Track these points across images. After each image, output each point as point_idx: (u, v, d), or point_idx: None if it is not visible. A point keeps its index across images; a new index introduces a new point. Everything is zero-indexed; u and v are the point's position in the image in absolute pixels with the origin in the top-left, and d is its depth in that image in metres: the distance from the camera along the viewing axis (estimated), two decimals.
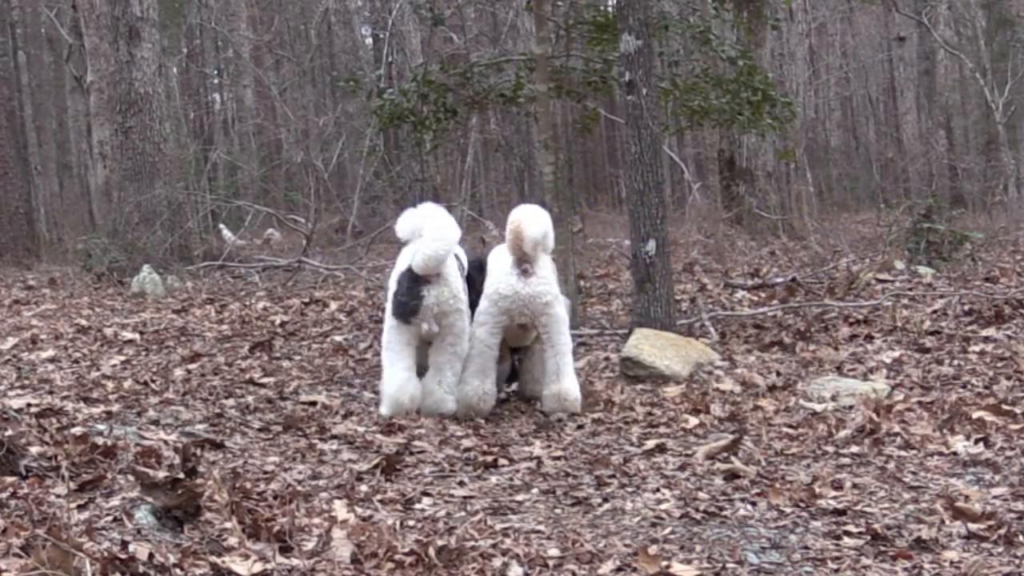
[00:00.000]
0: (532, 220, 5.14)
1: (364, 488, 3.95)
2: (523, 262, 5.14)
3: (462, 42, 17.75)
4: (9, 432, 3.80)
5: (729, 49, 8.54)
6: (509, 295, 5.13)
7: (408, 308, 5.08)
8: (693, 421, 5.00)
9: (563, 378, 5.18)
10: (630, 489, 4.02)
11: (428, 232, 5.03)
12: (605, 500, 3.89)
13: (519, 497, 3.94)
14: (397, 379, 5.14)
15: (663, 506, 3.78)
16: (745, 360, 6.42)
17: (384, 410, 5.16)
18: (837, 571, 3.22)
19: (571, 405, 5.19)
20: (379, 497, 3.83)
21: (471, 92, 8.80)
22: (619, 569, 3.18)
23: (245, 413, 5.18)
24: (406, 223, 5.22)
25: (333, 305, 8.99)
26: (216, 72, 31.06)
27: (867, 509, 3.72)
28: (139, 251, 11.79)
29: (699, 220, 14.52)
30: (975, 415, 4.86)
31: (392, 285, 5.22)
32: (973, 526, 3.50)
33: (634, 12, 6.55)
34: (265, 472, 4.10)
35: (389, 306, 5.22)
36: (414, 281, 5.06)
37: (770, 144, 14.60)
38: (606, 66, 8.56)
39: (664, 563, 3.17)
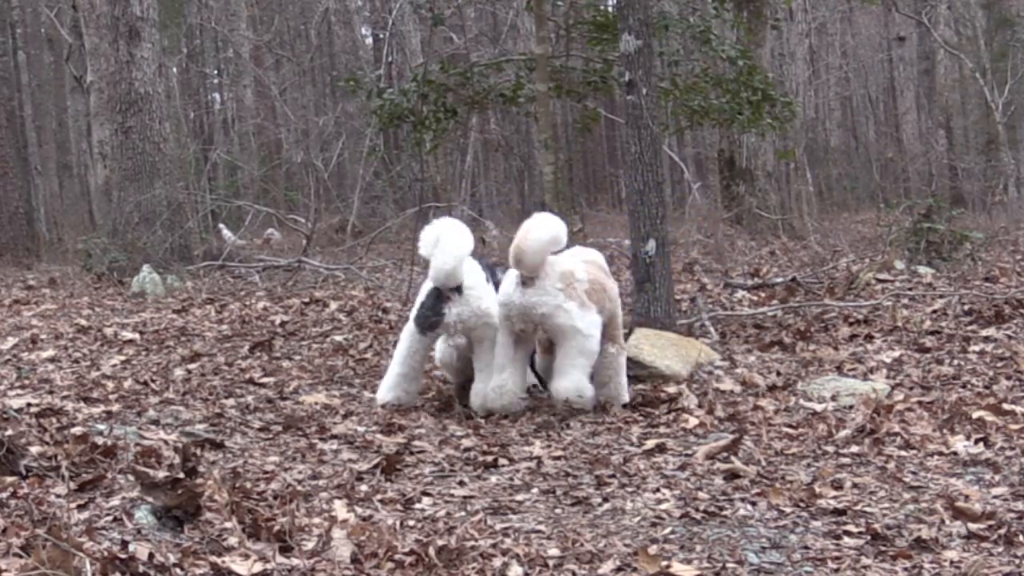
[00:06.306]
0: (531, 232, 5.22)
1: (364, 488, 3.95)
2: (522, 271, 5.25)
3: (462, 42, 17.75)
4: (9, 432, 3.80)
5: (729, 49, 8.54)
6: (506, 303, 5.25)
7: (428, 323, 5.32)
8: (693, 421, 5.00)
9: (561, 377, 5.26)
10: (630, 489, 4.02)
11: (441, 246, 5.21)
12: (605, 500, 3.89)
13: (519, 497, 3.95)
14: (386, 379, 5.47)
15: (663, 506, 3.78)
16: (745, 360, 6.42)
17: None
18: (837, 571, 3.22)
19: (572, 402, 5.26)
20: (379, 497, 3.83)
21: (471, 92, 8.81)
22: (619, 569, 3.18)
23: (245, 413, 5.18)
24: (426, 238, 5.35)
25: (333, 305, 8.99)
26: (216, 72, 31.07)
27: (867, 509, 3.72)
28: (139, 251, 11.79)
29: (699, 220, 14.51)
30: (975, 415, 4.86)
31: (420, 295, 5.43)
32: (973, 526, 3.50)
33: (634, 12, 6.54)
34: (265, 472, 4.10)
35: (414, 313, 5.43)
36: (438, 298, 5.27)
37: (770, 144, 14.60)
38: (606, 66, 8.57)
39: (664, 563, 3.17)
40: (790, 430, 4.82)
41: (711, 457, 4.36)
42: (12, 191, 16.67)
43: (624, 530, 3.55)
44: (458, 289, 5.26)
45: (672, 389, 5.60)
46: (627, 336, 6.45)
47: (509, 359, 5.31)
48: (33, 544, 2.81)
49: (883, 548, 3.37)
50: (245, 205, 17.73)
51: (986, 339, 6.72)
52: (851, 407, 5.11)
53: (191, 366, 6.35)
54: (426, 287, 5.43)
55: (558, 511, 3.79)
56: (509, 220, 19.67)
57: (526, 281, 5.20)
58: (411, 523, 3.56)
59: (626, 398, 5.47)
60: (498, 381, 5.29)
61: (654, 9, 7.59)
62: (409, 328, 5.45)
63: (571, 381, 5.25)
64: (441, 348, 5.71)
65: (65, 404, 5.00)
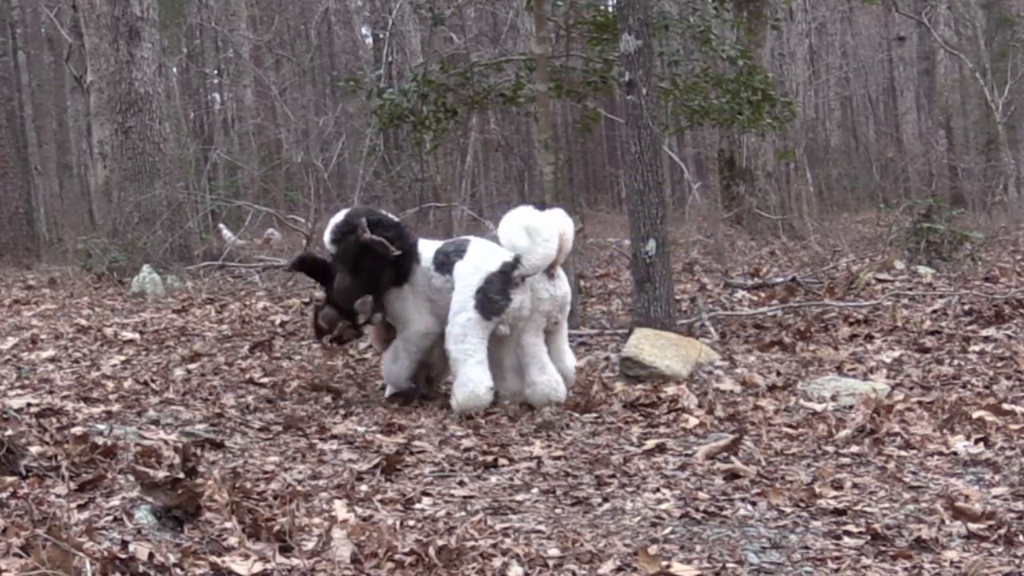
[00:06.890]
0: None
1: (364, 488, 3.95)
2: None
3: (462, 42, 17.72)
4: (9, 432, 3.80)
5: (729, 49, 8.54)
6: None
7: (496, 307, 5.25)
8: (693, 421, 5.00)
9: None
10: (630, 489, 4.02)
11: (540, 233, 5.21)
12: (605, 500, 3.89)
13: (519, 497, 3.95)
14: (474, 372, 5.27)
15: (663, 506, 3.78)
16: (745, 360, 6.42)
17: (461, 402, 5.26)
18: (837, 571, 3.22)
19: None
20: (379, 497, 3.84)
21: (471, 92, 8.80)
22: (619, 569, 3.18)
23: (245, 413, 5.18)
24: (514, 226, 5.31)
25: None
26: (216, 72, 31.05)
27: (867, 509, 3.72)
28: (139, 251, 11.78)
29: (699, 220, 14.52)
30: (975, 415, 4.86)
31: (473, 281, 5.30)
32: (973, 526, 3.50)
33: (634, 12, 6.54)
34: (265, 472, 4.10)
35: (471, 302, 5.29)
36: (506, 283, 5.25)
37: (770, 144, 14.59)
38: (606, 66, 8.56)
39: (664, 563, 3.18)
40: (790, 430, 4.82)
41: (711, 457, 4.36)
42: (12, 191, 16.66)
43: (624, 530, 3.55)
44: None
45: (672, 389, 5.60)
46: (627, 336, 6.46)
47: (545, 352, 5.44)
48: (33, 544, 2.81)
49: (883, 548, 3.37)
50: (245, 205, 17.70)
51: (986, 339, 6.72)
52: (851, 407, 5.11)
53: (191, 366, 6.35)
54: (482, 271, 5.31)
55: (558, 511, 3.79)
56: None
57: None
58: (411, 523, 3.56)
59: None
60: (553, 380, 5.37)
61: (654, 9, 7.59)
62: (470, 318, 5.27)
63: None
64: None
65: (65, 404, 5.00)
